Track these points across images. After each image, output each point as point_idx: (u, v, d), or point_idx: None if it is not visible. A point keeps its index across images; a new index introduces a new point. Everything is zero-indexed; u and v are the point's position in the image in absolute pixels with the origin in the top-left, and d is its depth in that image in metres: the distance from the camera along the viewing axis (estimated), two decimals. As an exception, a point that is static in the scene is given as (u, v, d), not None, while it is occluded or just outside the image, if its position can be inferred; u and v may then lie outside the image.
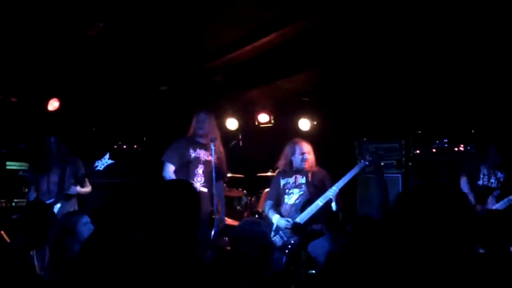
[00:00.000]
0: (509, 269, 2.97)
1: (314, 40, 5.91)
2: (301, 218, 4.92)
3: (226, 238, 6.98)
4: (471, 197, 5.39)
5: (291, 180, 5.22)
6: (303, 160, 5.16)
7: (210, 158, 5.33)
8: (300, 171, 5.19)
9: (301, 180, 5.17)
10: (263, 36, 5.79)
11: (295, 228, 4.86)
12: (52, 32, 5.57)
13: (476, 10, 4.91)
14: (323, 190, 4.97)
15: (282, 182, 5.27)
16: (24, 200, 6.02)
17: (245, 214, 7.07)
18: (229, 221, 7.03)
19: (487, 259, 3.13)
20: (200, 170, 5.41)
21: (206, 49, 6.37)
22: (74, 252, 3.46)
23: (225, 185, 7.13)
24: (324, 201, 4.85)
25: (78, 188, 5.38)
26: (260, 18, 5.42)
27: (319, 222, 4.95)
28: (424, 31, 5.39)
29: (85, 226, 3.76)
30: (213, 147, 5.32)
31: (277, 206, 5.24)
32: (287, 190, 5.20)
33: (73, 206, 5.43)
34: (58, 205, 5.30)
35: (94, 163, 5.26)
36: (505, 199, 5.09)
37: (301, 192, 5.11)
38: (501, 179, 5.29)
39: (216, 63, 6.72)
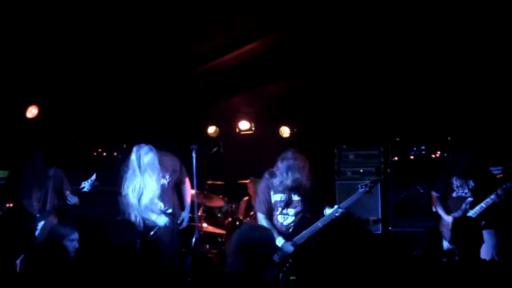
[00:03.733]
0: (479, 273, 3.07)
1: (295, 49, 5.98)
2: (300, 239, 4.78)
3: (207, 246, 6.98)
4: (441, 212, 5.45)
5: (283, 197, 4.89)
6: (297, 177, 4.74)
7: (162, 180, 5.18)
8: (293, 188, 4.82)
9: (295, 197, 4.88)
10: (245, 44, 5.84)
11: (297, 250, 4.81)
12: (31, 36, 5.53)
13: (452, 19, 5.02)
14: (316, 204, 4.90)
15: (274, 197, 4.94)
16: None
17: (226, 222, 7.07)
18: (209, 228, 7.03)
19: (459, 265, 3.23)
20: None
21: (189, 56, 6.38)
22: None
23: (205, 192, 7.14)
24: (324, 223, 4.76)
25: (74, 199, 5.30)
26: (242, 27, 5.46)
27: (314, 240, 4.86)
28: (401, 40, 5.50)
29: (72, 243, 3.77)
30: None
31: (269, 219, 4.96)
32: (280, 209, 4.92)
33: (53, 221, 5.36)
34: (42, 222, 5.24)
35: (81, 184, 5.22)
36: (478, 207, 5.18)
37: (297, 211, 4.89)
38: (473, 188, 5.35)
39: (197, 70, 6.75)
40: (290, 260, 4.73)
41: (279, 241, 4.72)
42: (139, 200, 5.01)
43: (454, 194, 5.45)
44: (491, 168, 5.75)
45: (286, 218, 4.93)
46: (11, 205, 5.56)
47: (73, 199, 5.27)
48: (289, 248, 4.74)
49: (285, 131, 7.83)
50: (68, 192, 5.33)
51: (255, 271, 2.77)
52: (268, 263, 2.92)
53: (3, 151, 5.89)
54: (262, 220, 4.96)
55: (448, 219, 5.27)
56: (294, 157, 4.79)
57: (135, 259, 3.14)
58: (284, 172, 4.77)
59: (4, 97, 6.49)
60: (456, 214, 5.24)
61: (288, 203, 4.90)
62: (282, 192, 4.88)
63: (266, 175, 5.00)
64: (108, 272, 3.12)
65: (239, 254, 2.81)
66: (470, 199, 5.28)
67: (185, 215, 5.38)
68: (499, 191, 5.07)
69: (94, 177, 5.20)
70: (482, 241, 3.37)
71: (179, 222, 5.34)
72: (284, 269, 4.69)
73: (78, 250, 3.67)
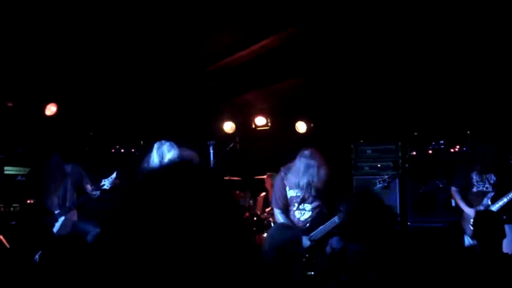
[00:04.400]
0: (502, 267, 3.03)
1: (311, 44, 5.95)
2: (317, 234, 4.78)
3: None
4: (463, 205, 5.39)
5: (299, 193, 4.88)
6: (315, 175, 4.72)
7: None
8: (308, 185, 4.80)
9: (312, 192, 4.84)
10: (260, 40, 5.83)
11: (313, 245, 4.81)
12: (49, 36, 5.59)
13: (470, 12, 4.95)
14: (333, 200, 4.84)
15: (289, 192, 4.94)
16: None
17: (243, 217, 7.08)
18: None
19: (482, 259, 3.19)
20: None
21: (203, 53, 6.39)
22: None
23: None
24: (342, 218, 4.76)
25: (97, 194, 5.43)
26: (256, 23, 5.45)
27: (333, 236, 4.83)
28: (420, 33, 5.44)
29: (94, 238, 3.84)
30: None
31: (286, 214, 4.98)
32: (296, 204, 4.91)
33: (73, 216, 5.46)
34: (62, 218, 5.35)
35: (101, 181, 5.33)
36: (500, 201, 5.12)
37: (314, 207, 4.89)
38: (495, 183, 5.29)
39: (213, 66, 6.75)
40: (307, 255, 4.73)
41: None
42: None
43: (474, 189, 5.39)
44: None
45: (303, 213, 4.93)
46: (31, 201, 5.65)
47: (96, 193, 5.41)
48: (305, 242, 4.72)
49: (301, 127, 7.81)
50: (89, 186, 5.43)
51: (286, 268, 2.95)
52: (298, 260, 3.07)
53: (23, 148, 5.97)
54: (278, 215, 4.99)
55: (470, 213, 5.21)
56: (312, 157, 4.77)
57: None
58: (300, 170, 4.77)
59: (24, 95, 6.58)
60: (478, 209, 5.18)
61: (303, 199, 4.89)
62: (298, 187, 4.88)
63: (282, 171, 5.01)
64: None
65: (271, 252, 2.98)
66: (491, 193, 5.22)
67: None
68: None
69: (114, 175, 5.29)
70: (504, 235, 3.33)
71: None
72: (304, 259, 4.71)
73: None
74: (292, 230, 3.28)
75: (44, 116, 6.63)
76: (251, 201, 7.36)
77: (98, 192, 5.41)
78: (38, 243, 4.13)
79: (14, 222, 5.35)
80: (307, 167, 4.74)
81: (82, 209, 6.00)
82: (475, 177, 5.42)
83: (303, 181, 4.76)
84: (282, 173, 4.99)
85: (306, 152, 4.82)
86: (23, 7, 4.88)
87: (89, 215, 6.10)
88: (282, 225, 4.29)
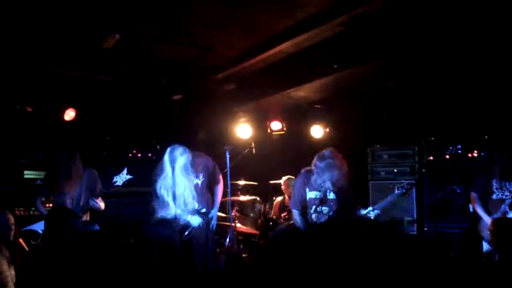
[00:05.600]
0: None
1: (326, 47, 5.95)
2: None
3: (241, 245, 7.03)
4: (482, 212, 5.36)
5: (319, 195, 4.88)
6: (336, 175, 4.71)
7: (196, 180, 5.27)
8: (330, 186, 4.79)
9: (330, 195, 4.86)
10: (276, 45, 5.85)
11: None
12: (69, 43, 5.68)
13: (490, 16, 4.92)
14: (350, 204, 4.87)
15: (309, 194, 4.93)
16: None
17: (259, 221, 7.10)
18: (243, 228, 7.08)
19: (499, 266, 3.17)
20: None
21: (220, 57, 6.44)
22: None
23: (238, 192, 7.20)
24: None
25: (100, 203, 5.46)
26: (272, 28, 5.47)
27: None
28: (437, 37, 5.41)
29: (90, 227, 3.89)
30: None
31: (304, 216, 4.99)
32: (314, 207, 4.90)
33: (85, 217, 5.53)
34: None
35: (113, 178, 5.36)
36: None
37: (331, 212, 4.86)
38: None
39: (229, 71, 6.79)
40: None
41: None
42: (173, 200, 5.08)
43: (494, 196, 5.33)
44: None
45: (320, 217, 4.92)
46: (50, 205, 5.73)
47: (96, 205, 5.40)
48: None
49: (317, 131, 7.81)
50: (93, 198, 5.42)
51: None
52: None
53: (43, 153, 6.07)
54: (296, 216, 4.98)
55: (488, 220, 5.16)
56: (333, 156, 4.76)
57: (175, 255, 3.23)
58: (322, 171, 4.74)
59: (43, 100, 6.70)
60: (496, 216, 5.13)
61: (322, 201, 4.88)
62: (318, 190, 4.87)
63: (303, 172, 5.01)
64: (143, 269, 3.18)
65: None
66: (509, 200, 5.17)
67: (214, 213, 5.41)
68: None
69: (125, 171, 5.33)
70: (522, 242, 3.30)
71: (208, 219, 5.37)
72: None
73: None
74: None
75: (63, 121, 6.73)
76: (266, 206, 7.37)
77: (99, 205, 5.42)
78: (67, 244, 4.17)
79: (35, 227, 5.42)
80: (328, 166, 4.72)
81: (100, 213, 6.07)
82: (495, 184, 5.36)
83: (324, 181, 4.75)
84: (303, 174, 5.00)
85: (326, 153, 4.81)
86: (42, 16, 4.98)
87: (107, 219, 6.19)
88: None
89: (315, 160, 4.84)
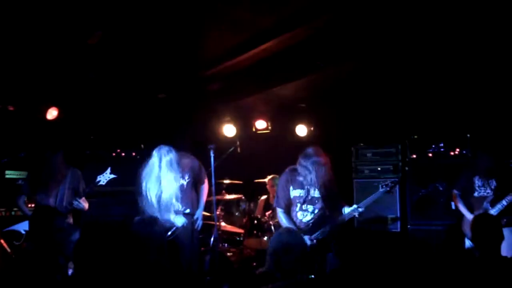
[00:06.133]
0: (500, 271, 3.05)
1: (310, 46, 5.96)
2: (319, 235, 4.80)
3: (226, 244, 7.03)
4: (464, 210, 5.42)
5: (303, 193, 4.90)
6: (320, 172, 4.74)
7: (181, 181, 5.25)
8: (314, 184, 4.82)
9: (314, 193, 4.87)
10: (260, 43, 5.85)
11: (313, 246, 4.81)
12: (51, 40, 5.62)
13: (471, 15, 4.98)
14: (335, 202, 4.89)
15: (293, 192, 4.94)
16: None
17: (244, 221, 7.11)
18: (228, 227, 7.08)
19: (480, 262, 3.21)
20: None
21: (204, 56, 6.42)
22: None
23: (223, 191, 7.19)
24: (342, 221, 4.80)
25: (84, 203, 5.41)
26: (256, 26, 5.47)
27: (332, 239, 4.87)
28: (419, 35, 5.46)
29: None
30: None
31: (288, 214, 4.99)
32: (299, 205, 4.91)
33: (69, 219, 5.47)
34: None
35: (97, 177, 5.31)
36: (499, 205, 5.14)
37: (316, 210, 4.88)
38: (495, 187, 5.30)
39: (214, 70, 6.78)
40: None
41: None
42: (158, 200, 5.06)
43: (476, 194, 5.41)
44: (512, 165, 5.69)
45: (305, 215, 4.92)
46: (32, 205, 5.66)
47: (80, 205, 5.36)
48: (307, 242, 4.72)
49: (301, 130, 7.83)
50: (77, 199, 5.37)
51: (289, 272, 3.04)
52: (301, 264, 3.12)
53: (24, 152, 6.00)
54: (280, 214, 4.98)
55: (470, 217, 5.22)
56: (317, 154, 4.79)
57: (163, 255, 3.25)
58: (307, 168, 4.77)
59: (25, 99, 6.61)
60: (478, 213, 5.19)
61: (306, 200, 4.89)
62: (302, 188, 4.89)
63: (287, 170, 5.01)
64: (128, 269, 3.16)
65: (274, 256, 3.10)
66: (491, 197, 5.24)
67: (199, 213, 5.39)
68: None
69: (109, 170, 5.30)
70: (502, 238, 3.34)
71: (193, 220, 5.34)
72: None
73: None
74: (296, 234, 3.36)
75: (46, 120, 6.66)
76: (251, 205, 7.38)
77: (82, 205, 5.38)
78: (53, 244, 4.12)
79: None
80: (312, 164, 4.74)
81: (83, 214, 6.01)
82: (477, 181, 5.44)
83: (309, 178, 4.77)
84: (288, 172, 5.00)
85: (311, 150, 4.83)
86: (26, 11, 4.91)
87: (91, 219, 6.13)
88: (285, 230, 4.32)
89: (299, 158, 4.86)
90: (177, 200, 5.15)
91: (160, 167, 5.03)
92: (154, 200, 5.05)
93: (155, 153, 5.08)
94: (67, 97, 6.88)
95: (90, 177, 5.63)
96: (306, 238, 4.73)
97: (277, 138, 8.01)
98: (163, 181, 5.03)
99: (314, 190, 4.87)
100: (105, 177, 5.31)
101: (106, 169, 5.33)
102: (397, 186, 6.38)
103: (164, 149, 5.08)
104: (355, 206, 4.82)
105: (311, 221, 4.89)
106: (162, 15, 5.16)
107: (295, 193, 4.94)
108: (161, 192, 5.05)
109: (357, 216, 4.80)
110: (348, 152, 7.37)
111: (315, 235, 4.80)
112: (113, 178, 5.40)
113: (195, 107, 7.98)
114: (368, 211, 5.60)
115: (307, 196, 4.89)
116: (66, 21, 5.15)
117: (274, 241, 3.25)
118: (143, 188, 5.09)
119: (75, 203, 5.31)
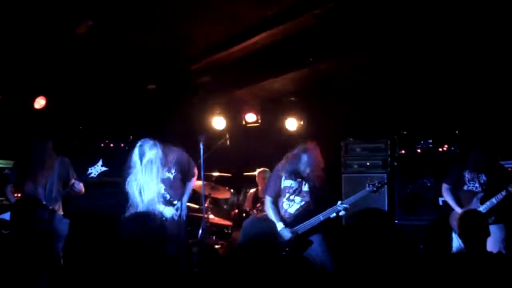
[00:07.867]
0: (485, 266, 3.08)
1: (302, 40, 5.96)
2: (301, 228, 4.84)
3: (214, 237, 7.02)
4: (453, 203, 5.44)
5: (294, 184, 5.00)
6: (312, 168, 4.89)
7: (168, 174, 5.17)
8: (305, 177, 4.96)
9: (305, 187, 4.97)
10: (251, 36, 5.83)
11: (295, 238, 4.84)
12: (40, 29, 5.55)
13: (460, 13, 5.00)
14: (323, 198, 4.93)
15: (285, 182, 5.04)
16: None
17: (232, 213, 7.10)
18: (216, 219, 7.08)
19: (466, 257, 3.24)
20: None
21: (194, 48, 6.39)
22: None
23: (212, 184, 7.17)
24: (326, 216, 4.80)
25: (80, 186, 5.36)
26: (248, 19, 5.46)
27: (316, 232, 4.89)
28: (409, 32, 5.47)
29: (61, 222, 3.80)
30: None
31: (275, 204, 5.09)
32: (288, 195, 5.01)
33: (59, 210, 5.42)
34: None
35: (85, 168, 5.26)
36: (488, 202, 5.16)
37: (303, 202, 4.96)
38: (485, 183, 5.33)
39: (204, 62, 6.75)
40: (287, 249, 4.77)
41: (279, 226, 4.79)
42: (140, 194, 4.97)
43: (465, 187, 5.41)
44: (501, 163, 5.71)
45: (291, 205, 5.00)
46: (19, 195, 5.61)
47: (78, 186, 5.32)
48: (287, 234, 4.81)
49: (291, 124, 7.83)
50: (73, 180, 5.36)
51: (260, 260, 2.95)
52: (273, 252, 3.07)
53: (12, 141, 5.93)
54: (268, 203, 5.07)
55: (459, 211, 5.22)
56: (312, 148, 4.96)
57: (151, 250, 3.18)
58: (300, 160, 4.92)
59: (13, 88, 6.54)
60: (467, 209, 5.21)
61: (296, 191, 4.98)
62: (294, 179, 4.99)
63: (282, 161, 5.11)
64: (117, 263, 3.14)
65: (246, 244, 3.04)
66: (481, 194, 5.26)
67: (184, 201, 5.26)
68: (510, 188, 5.06)
69: (100, 162, 5.25)
70: (488, 234, 3.37)
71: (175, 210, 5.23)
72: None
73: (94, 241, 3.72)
74: (267, 222, 3.33)
75: (33, 109, 6.59)
76: (240, 197, 7.37)
77: (80, 186, 5.33)
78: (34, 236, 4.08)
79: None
80: (307, 156, 4.89)
81: (71, 204, 5.96)
82: (467, 175, 5.45)
83: (303, 169, 4.91)
84: (281, 164, 5.10)
85: (306, 144, 4.99)
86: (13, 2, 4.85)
87: (78, 211, 6.09)
88: (258, 218, 4.29)
89: (294, 149, 5.00)
90: (165, 192, 5.10)
91: (142, 161, 4.89)
92: (137, 197, 4.95)
93: (138, 147, 4.93)
94: (55, 87, 6.81)
95: (78, 168, 5.59)
96: (287, 231, 4.81)
97: (266, 132, 8.00)
98: (145, 175, 4.91)
99: (305, 184, 4.97)
100: (96, 169, 5.26)
101: (96, 161, 5.27)
102: (385, 186, 6.37)
103: (147, 143, 4.94)
104: (339, 202, 4.84)
105: (295, 213, 4.96)
106: (152, 5, 5.13)
107: (286, 183, 5.03)
108: (144, 187, 4.95)
109: (342, 213, 4.81)
110: (337, 147, 7.38)
111: (296, 227, 4.86)
112: (104, 171, 5.35)
113: (184, 99, 7.94)
114: (355, 206, 5.62)
115: (297, 188, 4.98)
116: (55, 9, 5.09)
117: (245, 229, 3.21)
118: (127, 182, 5.01)
119: (75, 184, 5.25)
